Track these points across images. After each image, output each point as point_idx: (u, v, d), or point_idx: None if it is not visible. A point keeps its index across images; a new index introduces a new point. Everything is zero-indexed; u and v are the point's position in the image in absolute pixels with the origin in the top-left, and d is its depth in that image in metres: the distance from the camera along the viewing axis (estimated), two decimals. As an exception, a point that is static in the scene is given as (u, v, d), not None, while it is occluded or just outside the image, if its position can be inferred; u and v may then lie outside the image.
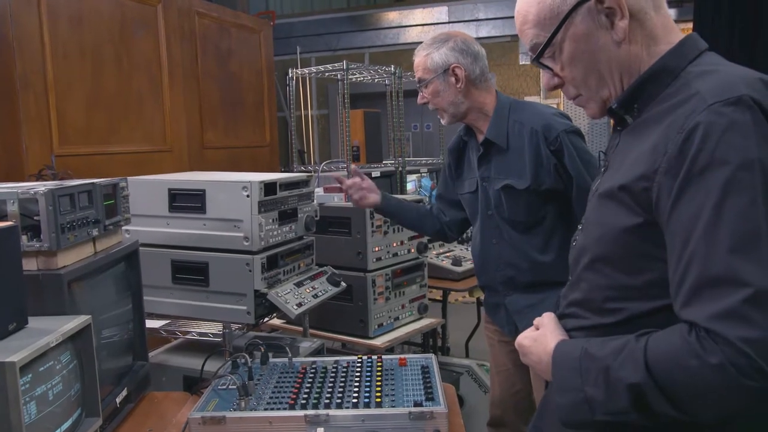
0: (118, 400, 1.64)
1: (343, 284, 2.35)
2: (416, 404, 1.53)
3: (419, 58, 2.14)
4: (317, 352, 2.23)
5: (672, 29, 1.08)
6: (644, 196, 0.98)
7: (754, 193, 0.88)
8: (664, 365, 0.92)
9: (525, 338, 1.20)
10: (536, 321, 1.22)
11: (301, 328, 2.64)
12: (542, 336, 1.15)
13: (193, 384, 1.89)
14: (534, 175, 2.04)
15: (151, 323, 2.21)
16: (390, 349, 2.89)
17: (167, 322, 2.30)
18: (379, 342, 2.72)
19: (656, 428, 0.98)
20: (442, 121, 2.21)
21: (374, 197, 2.34)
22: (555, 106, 6.25)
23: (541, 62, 1.13)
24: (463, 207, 2.33)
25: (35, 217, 1.41)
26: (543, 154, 2.02)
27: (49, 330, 1.26)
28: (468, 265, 3.43)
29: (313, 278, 2.24)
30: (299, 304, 2.06)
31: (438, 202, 2.46)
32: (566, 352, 1.06)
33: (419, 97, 2.18)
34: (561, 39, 1.09)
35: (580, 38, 1.07)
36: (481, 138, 2.14)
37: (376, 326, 2.74)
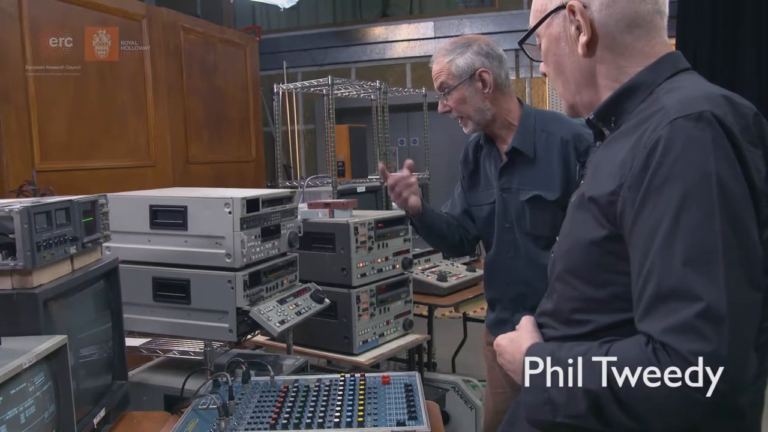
0: (95, 420, 1.61)
1: (327, 301, 2.33)
2: (399, 423, 1.52)
3: (440, 64, 2.05)
4: (301, 369, 2.21)
5: (655, 54, 1.09)
6: (610, 209, 0.99)
7: (710, 208, 0.90)
8: (621, 374, 0.93)
9: (503, 338, 1.22)
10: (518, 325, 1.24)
11: (285, 345, 2.62)
12: (518, 337, 1.18)
13: (174, 403, 1.86)
14: (563, 187, 1.97)
15: (131, 341, 2.17)
16: (376, 366, 2.86)
17: (148, 340, 2.26)
18: (363, 359, 2.69)
19: None
20: (465, 130, 2.12)
21: (417, 199, 2.14)
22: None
23: (521, 47, 1.23)
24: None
25: (10, 235, 1.39)
26: (572, 164, 1.96)
27: (23, 351, 1.23)
28: (453, 281, 3.42)
29: (296, 295, 2.22)
30: (282, 322, 2.04)
31: (463, 216, 2.30)
32: (537, 352, 1.08)
33: (440, 105, 2.09)
34: (541, 34, 1.16)
35: (552, 39, 1.14)
36: (503, 147, 2.07)
37: (361, 343, 2.71)
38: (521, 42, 1.22)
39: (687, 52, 5.46)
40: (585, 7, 1.08)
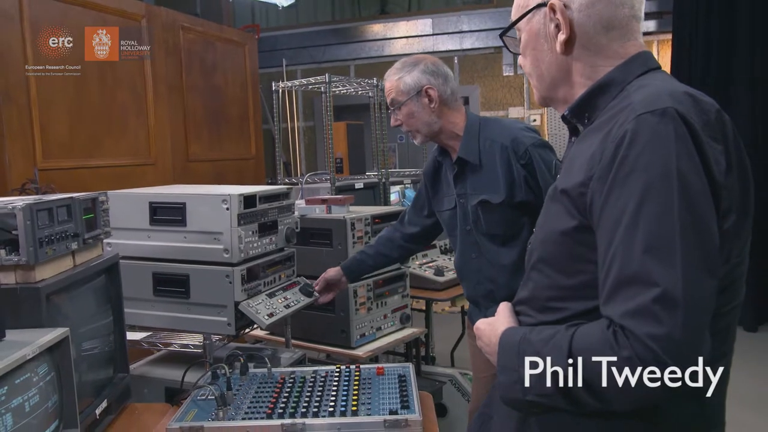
0: (97, 411, 1.66)
1: (317, 294, 2.38)
2: (391, 412, 1.56)
3: (390, 82, 2.19)
4: (298, 362, 2.25)
5: (627, 55, 1.13)
6: (581, 200, 1.04)
7: (670, 199, 0.94)
8: (583, 355, 0.98)
9: (482, 322, 1.27)
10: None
11: (284, 339, 2.66)
12: (495, 321, 1.22)
13: (175, 395, 1.90)
14: (507, 189, 2.10)
15: (132, 335, 2.22)
16: (374, 359, 2.91)
17: (149, 334, 2.31)
18: (361, 352, 2.74)
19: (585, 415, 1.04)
20: (415, 142, 2.27)
21: (340, 286, 2.50)
22: (538, 117, 6.37)
23: (502, 39, 1.27)
24: (432, 215, 2.40)
25: (13, 232, 1.43)
26: (514, 168, 2.09)
27: (26, 342, 1.28)
28: (450, 275, 3.46)
29: (285, 288, 2.27)
30: (270, 314, 2.08)
31: (411, 210, 2.50)
32: (511, 335, 1.14)
33: (392, 119, 2.23)
34: (522, 28, 1.20)
35: (532, 35, 1.18)
36: (455, 157, 2.19)
37: (358, 336, 2.76)
38: (502, 34, 1.26)
39: (682, 48, 5.54)
40: (566, 6, 1.12)
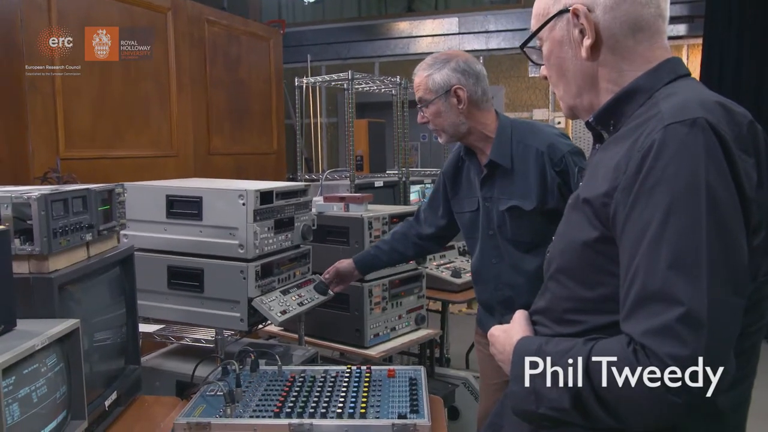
0: (107, 403, 1.66)
1: (331, 293, 2.36)
2: (400, 416, 1.54)
3: (419, 78, 2.13)
4: (311, 360, 2.24)
5: (655, 59, 1.10)
6: (603, 211, 1.01)
7: (698, 213, 0.90)
8: (601, 371, 0.95)
9: (496, 329, 1.25)
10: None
11: (297, 336, 2.66)
12: (511, 329, 1.20)
13: (185, 389, 1.90)
14: (540, 196, 2.04)
15: (145, 327, 2.23)
16: (388, 359, 2.89)
17: (162, 327, 2.32)
18: (374, 352, 2.72)
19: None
20: (440, 141, 2.21)
21: (351, 278, 2.46)
22: (562, 119, 6.29)
23: (523, 50, 1.23)
24: (447, 216, 2.35)
25: (29, 221, 1.43)
26: (548, 174, 2.04)
27: (36, 333, 1.28)
28: (467, 277, 3.42)
29: (299, 286, 2.26)
30: (284, 312, 2.07)
31: (427, 209, 2.45)
32: (526, 344, 1.11)
33: (419, 116, 2.17)
34: (543, 37, 1.16)
35: (555, 42, 1.15)
36: (483, 159, 2.14)
37: (372, 336, 2.74)
38: (523, 46, 1.22)
39: (713, 53, 5.43)
40: (589, 10, 1.08)
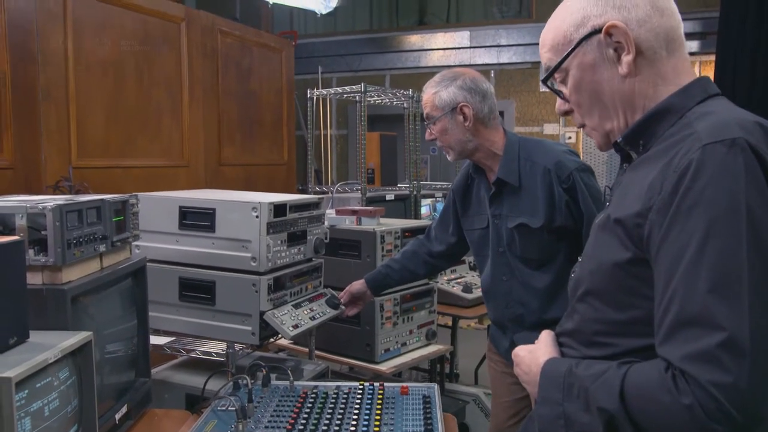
0: (117, 416, 1.64)
1: (343, 307, 2.35)
2: (415, 436, 1.52)
3: (427, 95, 2.14)
4: (321, 375, 2.22)
5: (685, 73, 1.09)
6: (637, 232, 0.98)
7: (738, 236, 0.88)
8: (638, 396, 0.93)
9: (522, 349, 1.22)
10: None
11: (307, 349, 2.63)
12: (537, 349, 1.17)
13: (195, 402, 1.88)
14: (547, 214, 2.03)
15: (156, 340, 2.21)
16: (397, 375, 2.86)
17: (172, 339, 2.29)
18: (385, 367, 2.70)
19: None
20: (449, 158, 2.21)
21: (365, 299, 2.46)
22: (573, 134, 6.27)
23: (548, 85, 1.18)
24: (456, 233, 2.34)
25: (43, 232, 1.42)
26: (556, 192, 2.03)
27: (49, 345, 1.26)
28: (478, 292, 3.39)
29: (311, 300, 2.24)
30: (295, 326, 2.05)
31: (438, 226, 2.44)
32: (555, 366, 1.08)
33: (427, 133, 2.18)
34: (569, 66, 1.12)
35: (586, 68, 1.10)
36: (492, 176, 2.13)
37: (383, 351, 2.72)
38: (545, 80, 1.17)
39: (726, 69, 5.41)
40: (626, 25, 1.06)
